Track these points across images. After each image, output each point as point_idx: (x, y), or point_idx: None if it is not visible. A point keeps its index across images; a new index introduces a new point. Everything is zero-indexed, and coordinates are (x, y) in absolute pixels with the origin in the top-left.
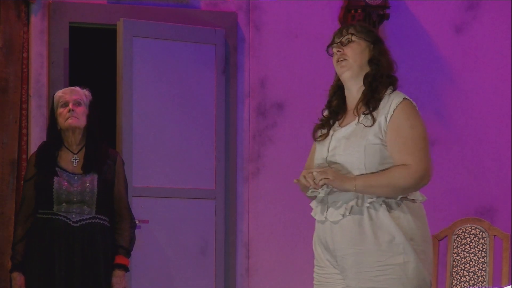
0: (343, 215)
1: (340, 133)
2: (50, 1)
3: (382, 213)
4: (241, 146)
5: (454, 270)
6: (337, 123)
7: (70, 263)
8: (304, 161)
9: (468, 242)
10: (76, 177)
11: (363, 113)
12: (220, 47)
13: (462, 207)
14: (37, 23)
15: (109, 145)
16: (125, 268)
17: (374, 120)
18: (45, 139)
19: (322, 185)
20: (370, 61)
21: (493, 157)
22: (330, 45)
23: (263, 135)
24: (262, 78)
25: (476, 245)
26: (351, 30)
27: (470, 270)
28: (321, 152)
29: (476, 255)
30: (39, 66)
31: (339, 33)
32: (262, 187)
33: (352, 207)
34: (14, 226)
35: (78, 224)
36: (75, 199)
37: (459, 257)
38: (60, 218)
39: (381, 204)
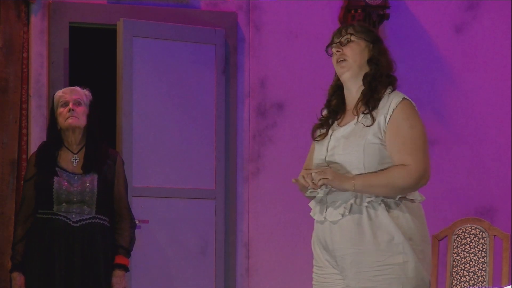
0: (343, 215)
1: (339, 133)
2: (50, 1)
3: (381, 213)
4: (241, 146)
5: (454, 270)
6: (336, 122)
7: (70, 263)
8: (304, 161)
9: (468, 242)
10: (76, 177)
11: (363, 113)
12: (220, 47)
13: (462, 207)
14: (37, 23)
15: (109, 145)
16: (125, 268)
17: (373, 119)
18: (45, 139)
19: (321, 185)
20: (370, 61)
21: (493, 157)
22: (330, 45)
23: (263, 135)
24: (262, 78)
25: (476, 245)
26: (350, 30)
27: (470, 270)
28: (320, 151)
29: (476, 255)
30: (39, 66)
31: (338, 33)
32: (262, 187)
33: (351, 205)
34: (14, 226)
35: (78, 224)
36: (75, 199)
37: (459, 257)
38: (60, 218)
39: (379, 204)
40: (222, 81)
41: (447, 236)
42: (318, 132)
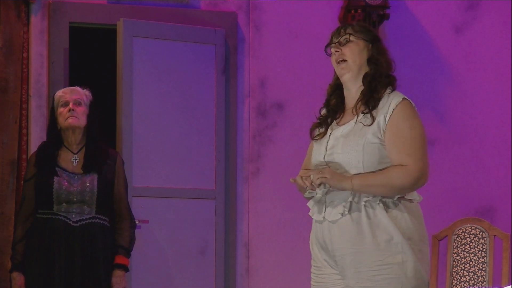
0: (342, 214)
1: (338, 132)
2: (50, 1)
3: (380, 213)
4: (241, 146)
5: (454, 270)
6: (335, 122)
7: (70, 263)
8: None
9: (468, 242)
10: (76, 177)
11: (362, 112)
12: (220, 47)
13: (462, 207)
14: (37, 23)
15: (109, 145)
16: (125, 268)
17: (373, 119)
18: (45, 139)
19: (319, 184)
20: (369, 61)
21: (493, 157)
22: (328, 45)
23: (263, 135)
24: (262, 78)
25: (476, 245)
26: (349, 30)
27: (470, 270)
28: (319, 150)
29: (476, 255)
30: (39, 66)
31: (337, 33)
32: (262, 187)
33: (350, 204)
34: (14, 226)
35: (78, 224)
36: (75, 199)
37: (459, 257)
38: (60, 218)
39: (378, 203)
40: (222, 81)
41: (447, 236)
42: (316, 131)
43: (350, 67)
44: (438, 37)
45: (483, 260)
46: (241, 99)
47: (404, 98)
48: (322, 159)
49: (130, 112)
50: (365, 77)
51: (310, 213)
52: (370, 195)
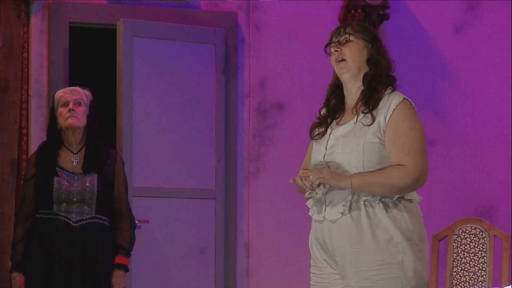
0: (342, 213)
1: (338, 132)
2: (50, 1)
3: (380, 212)
4: (241, 146)
5: (454, 270)
6: (335, 121)
7: (70, 263)
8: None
9: (468, 242)
10: (76, 177)
11: (362, 112)
12: (220, 47)
13: (462, 207)
14: (37, 23)
15: (109, 145)
16: (125, 268)
17: (373, 118)
18: (45, 139)
19: (318, 185)
20: (369, 61)
21: (493, 157)
22: (328, 45)
23: (263, 135)
24: (262, 78)
25: (476, 245)
26: (348, 30)
27: (470, 270)
28: (319, 150)
29: (476, 255)
30: (39, 66)
31: (336, 32)
32: (262, 187)
33: (350, 203)
34: (14, 226)
35: (78, 224)
36: (75, 199)
37: (459, 257)
38: (60, 218)
39: (378, 203)
40: (222, 81)
41: (447, 236)
42: (316, 131)
43: (350, 67)
44: (438, 37)
45: (483, 260)
46: (241, 99)
47: (404, 98)
48: (322, 159)
49: (130, 112)
50: (365, 77)
51: (310, 213)
52: (370, 195)
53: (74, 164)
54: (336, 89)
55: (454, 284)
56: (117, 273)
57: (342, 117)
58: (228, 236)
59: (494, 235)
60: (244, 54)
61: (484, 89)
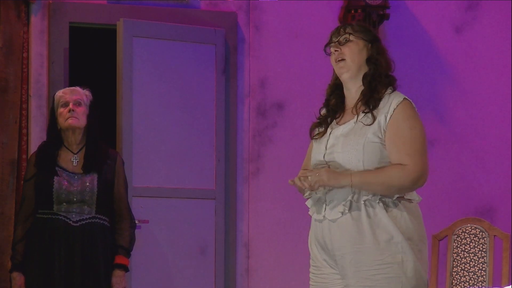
0: (342, 213)
1: (339, 131)
2: (50, 1)
3: (380, 212)
4: (241, 146)
5: (454, 270)
6: (335, 121)
7: (70, 263)
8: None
9: (468, 242)
10: (76, 177)
11: (363, 112)
12: (220, 47)
13: (462, 207)
14: (37, 23)
15: (109, 145)
16: (125, 268)
17: (374, 118)
18: (45, 139)
19: (317, 188)
20: (368, 60)
21: (493, 157)
22: (328, 45)
23: (263, 135)
24: (262, 78)
25: (476, 245)
26: (348, 30)
27: (470, 270)
28: (319, 149)
29: (476, 255)
30: (39, 66)
31: (336, 32)
32: (262, 187)
33: (350, 202)
34: (14, 226)
35: (78, 224)
36: (75, 199)
37: (459, 257)
38: (60, 218)
39: (378, 203)
40: (222, 81)
41: (447, 236)
42: (316, 131)
43: (349, 67)
44: (438, 37)
45: (483, 260)
46: (241, 99)
47: (405, 98)
48: (322, 158)
49: (130, 112)
50: (364, 77)
51: (310, 212)
52: (370, 194)
53: (74, 164)
54: (336, 89)
55: (454, 284)
56: (117, 273)
57: (342, 117)
58: (228, 236)
59: (494, 235)
60: (244, 54)
61: (484, 89)
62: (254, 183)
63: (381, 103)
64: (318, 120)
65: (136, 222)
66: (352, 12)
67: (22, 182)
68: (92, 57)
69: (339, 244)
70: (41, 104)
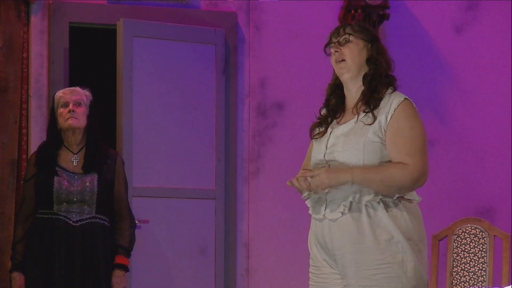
0: (342, 213)
1: (339, 131)
2: (50, 1)
3: (380, 212)
4: (241, 146)
5: (454, 270)
6: (335, 121)
7: (70, 263)
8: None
9: (468, 242)
10: (76, 177)
11: (363, 112)
12: (220, 47)
13: (462, 207)
14: (37, 23)
15: (109, 145)
16: (125, 268)
17: (374, 118)
18: (45, 139)
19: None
20: (368, 61)
21: (493, 157)
22: (328, 45)
23: (263, 135)
24: (262, 78)
25: (476, 245)
26: (348, 30)
27: (470, 270)
28: (319, 149)
29: (476, 255)
30: (39, 66)
31: (336, 32)
32: (262, 187)
33: (351, 203)
34: (14, 226)
35: (78, 224)
36: (75, 199)
37: (459, 257)
38: (60, 217)
39: (378, 202)
40: (222, 81)
41: (447, 236)
42: (316, 131)
43: (350, 67)
44: (438, 37)
45: (483, 260)
46: (241, 99)
47: (405, 98)
48: (323, 158)
49: (130, 112)
50: (365, 77)
51: (310, 211)
52: (371, 195)
53: (74, 164)
54: (336, 89)
55: (454, 284)
56: (117, 273)
57: (342, 116)
58: (228, 236)
59: (494, 235)
60: (244, 54)
61: (484, 89)
62: (254, 183)
63: (382, 103)
64: (318, 120)
65: (136, 222)
66: (352, 12)
67: (22, 182)
68: (92, 57)
69: (339, 243)
70: (41, 104)
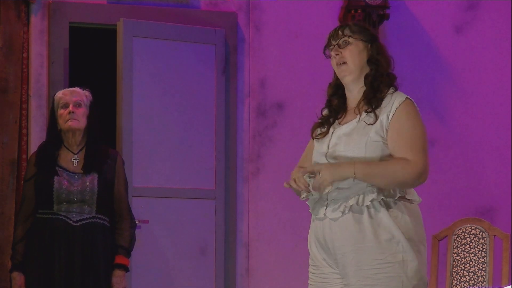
0: (343, 212)
1: (341, 131)
2: (50, 1)
3: (381, 212)
4: (241, 146)
5: (454, 270)
6: (337, 121)
7: (70, 263)
8: None
9: (468, 242)
10: (76, 177)
11: (365, 111)
12: (220, 47)
13: (462, 207)
14: (37, 23)
15: (109, 145)
16: (125, 268)
17: (376, 117)
18: (45, 139)
19: (324, 189)
20: (369, 61)
21: (493, 157)
22: (327, 47)
23: (263, 135)
24: (262, 78)
25: (476, 245)
26: (346, 31)
27: (470, 270)
28: (321, 149)
29: (476, 255)
30: (39, 66)
31: (335, 34)
32: (262, 187)
33: (351, 206)
34: (14, 226)
35: (78, 224)
36: (75, 199)
37: (459, 257)
38: (61, 217)
39: (380, 203)
40: (222, 81)
41: (447, 236)
42: (318, 131)
43: (351, 70)
44: (438, 37)
45: (483, 260)
46: (241, 99)
47: (407, 98)
48: (324, 158)
49: (130, 112)
50: (366, 77)
51: (310, 210)
52: (374, 194)
53: (74, 164)
54: (338, 89)
55: (454, 284)
56: (117, 273)
57: (344, 117)
58: (228, 236)
59: (494, 235)
60: (244, 54)
61: (484, 89)
62: (254, 183)
63: (384, 102)
64: (320, 120)
65: (136, 222)
66: (352, 12)
67: (22, 182)
68: (92, 57)
69: (340, 242)
70: (41, 104)
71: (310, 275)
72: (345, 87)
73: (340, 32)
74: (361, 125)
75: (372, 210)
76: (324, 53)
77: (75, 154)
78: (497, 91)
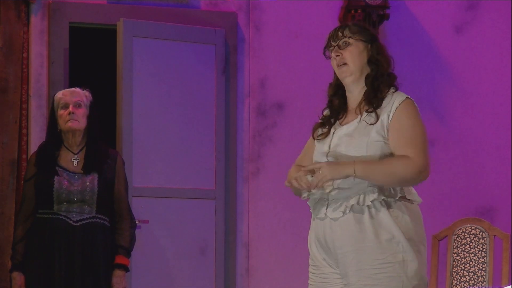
0: (344, 212)
1: (342, 131)
2: (50, 1)
3: (382, 212)
4: (241, 146)
5: (454, 270)
6: (338, 121)
7: (70, 263)
8: None
9: (468, 242)
10: (76, 176)
11: (366, 111)
12: (220, 47)
13: (462, 207)
14: (37, 23)
15: (109, 145)
16: (125, 268)
17: (377, 117)
18: (45, 139)
19: (323, 185)
20: (369, 61)
21: (493, 157)
22: (327, 48)
23: (263, 135)
24: (262, 78)
25: (476, 245)
26: (346, 32)
27: (470, 270)
28: (322, 149)
29: (476, 255)
30: (39, 66)
31: (334, 35)
32: (262, 187)
33: (352, 206)
34: (14, 226)
35: (78, 224)
36: (75, 199)
37: (459, 257)
38: (61, 217)
39: (381, 203)
40: (222, 81)
41: (447, 236)
42: (319, 131)
43: (352, 71)
44: (438, 37)
45: (483, 260)
46: (241, 99)
47: (407, 97)
48: (325, 158)
49: (130, 112)
50: (367, 78)
51: (311, 210)
52: (375, 194)
53: (74, 164)
54: (338, 89)
55: (454, 284)
56: (117, 273)
57: (345, 117)
58: (228, 236)
59: (494, 235)
60: (244, 54)
61: (484, 89)
62: (254, 183)
63: (384, 102)
64: (321, 121)
65: (136, 222)
66: (352, 12)
67: (22, 182)
68: (92, 57)
69: (340, 242)
70: (41, 104)
71: (310, 275)
72: (345, 88)
73: (340, 33)
74: (362, 125)
75: (373, 210)
76: (324, 54)
77: (75, 154)
78: (497, 91)
